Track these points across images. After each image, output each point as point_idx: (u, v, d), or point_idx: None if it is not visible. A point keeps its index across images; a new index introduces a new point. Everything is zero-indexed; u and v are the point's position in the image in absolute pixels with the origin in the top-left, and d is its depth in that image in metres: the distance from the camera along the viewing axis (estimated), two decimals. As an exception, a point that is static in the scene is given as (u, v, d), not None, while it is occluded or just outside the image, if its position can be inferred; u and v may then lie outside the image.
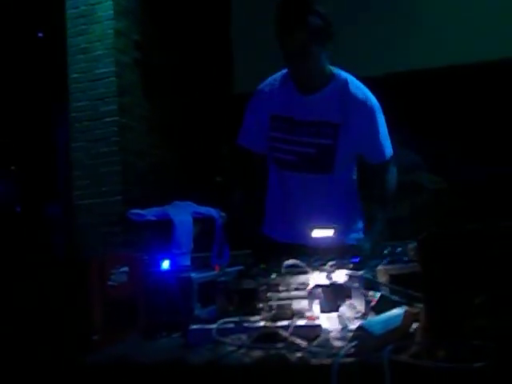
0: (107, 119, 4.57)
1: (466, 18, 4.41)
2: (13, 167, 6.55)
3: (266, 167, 2.34)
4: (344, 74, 2.16)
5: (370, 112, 2.12)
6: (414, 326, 1.21)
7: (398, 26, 4.57)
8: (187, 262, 2.17)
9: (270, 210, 2.35)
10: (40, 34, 5.91)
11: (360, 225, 2.26)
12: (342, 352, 1.05)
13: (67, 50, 4.70)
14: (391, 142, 2.20)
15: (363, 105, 2.11)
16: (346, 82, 2.13)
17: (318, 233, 1.69)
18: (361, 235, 2.23)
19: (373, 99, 2.14)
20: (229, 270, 1.72)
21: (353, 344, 1.08)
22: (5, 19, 5.58)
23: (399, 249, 1.70)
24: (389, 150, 2.19)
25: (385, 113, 2.17)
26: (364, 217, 2.32)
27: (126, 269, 1.47)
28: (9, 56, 5.69)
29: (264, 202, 2.37)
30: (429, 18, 4.54)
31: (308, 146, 2.12)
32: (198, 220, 2.32)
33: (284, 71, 2.20)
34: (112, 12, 4.60)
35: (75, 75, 4.69)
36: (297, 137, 2.14)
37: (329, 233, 1.66)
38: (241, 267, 1.72)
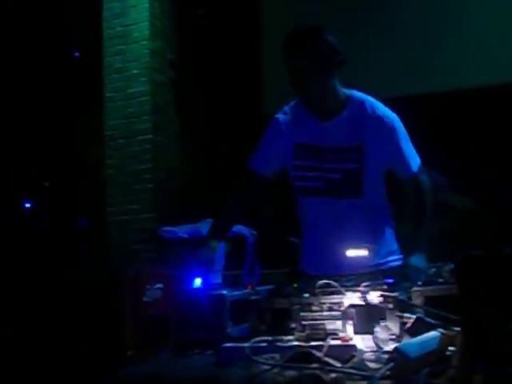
0: (140, 137, 4.63)
1: (488, 39, 4.37)
2: (46, 183, 6.69)
3: (269, 193, 2.33)
4: (360, 96, 2.14)
5: (391, 128, 2.10)
6: (450, 349, 1.19)
7: (433, 46, 4.55)
8: (219, 279, 2.18)
9: (304, 245, 2.29)
10: (76, 54, 6.07)
11: (395, 247, 2.22)
12: (378, 374, 1.03)
13: (103, 69, 4.80)
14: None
15: (382, 122, 2.09)
16: (362, 103, 2.12)
17: (352, 253, 1.68)
18: (398, 257, 2.20)
19: (391, 115, 2.12)
20: (260, 288, 1.72)
21: (389, 366, 1.07)
22: (43, 38, 5.74)
23: (433, 270, 1.68)
24: (415, 161, 2.14)
25: (417, 132, 2.16)
26: (399, 237, 2.28)
27: (160, 285, 1.48)
28: (46, 74, 5.85)
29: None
30: (455, 40, 4.51)
31: (333, 172, 2.10)
32: (230, 238, 2.32)
33: (298, 100, 2.20)
34: (148, 32, 4.68)
35: (110, 94, 4.77)
36: (321, 163, 2.12)
37: (363, 253, 1.64)
38: (272, 286, 1.72)
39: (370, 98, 2.14)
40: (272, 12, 5.09)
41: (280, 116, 2.22)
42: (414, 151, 2.15)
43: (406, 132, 2.14)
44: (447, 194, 3.99)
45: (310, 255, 2.23)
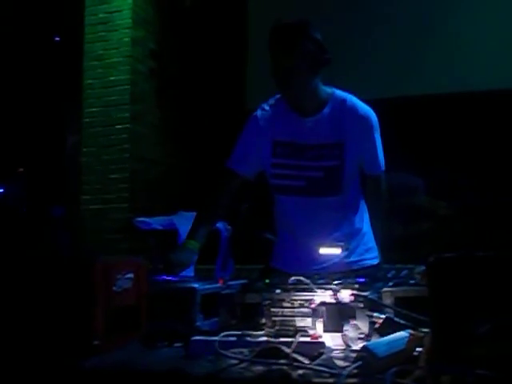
0: (119, 126, 4.59)
1: (479, 45, 4.42)
2: (21, 169, 6.58)
3: (248, 192, 2.33)
4: (341, 94, 2.15)
5: (369, 126, 2.12)
6: (418, 349, 1.20)
7: (411, 51, 4.59)
8: (191, 272, 2.16)
9: (279, 242, 2.29)
10: (57, 38, 5.97)
11: (371, 244, 2.24)
12: (346, 372, 1.04)
13: (83, 55, 4.74)
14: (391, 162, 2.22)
15: (362, 120, 2.10)
16: (343, 101, 2.13)
17: (325, 251, 1.68)
18: (374, 254, 2.21)
19: (370, 113, 2.14)
20: (232, 283, 1.71)
21: (356, 364, 1.07)
22: (22, 21, 5.63)
23: (404, 272, 1.69)
24: (383, 161, 2.19)
25: (390, 135, 2.20)
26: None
27: (131, 275, 1.46)
28: (24, 58, 5.74)
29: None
30: (442, 43, 4.55)
31: (315, 170, 2.10)
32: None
33: (277, 96, 2.19)
34: (130, 21, 4.64)
35: (90, 81, 4.72)
36: (302, 161, 2.11)
37: (336, 251, 1.65)
38: (244, 281, 1.72)
39: (351, 96, 2.15)
40: (259, 5, 5.07)
41: (258, 113, 2.20)
42: (383, 156, 2.20)
43: (379, 135, 2.17)
44: (422, 196, 4.03)
45: (284, 252, 2.23)
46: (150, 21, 4.88)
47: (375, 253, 2.21)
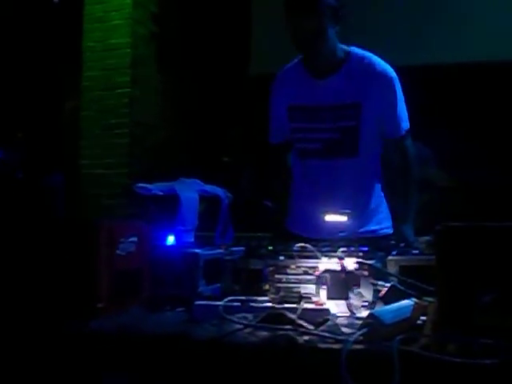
0: (119, 90, 4.53)
1: (489, 16, 4.34)
2: (19, 134, 6.52)
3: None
4: (359, 52, 2.12)
5: (389, 83, 2.08)
6: (422, 318, 1.20)
7: (427, 20, 4.49)
8: (191, 238, 2.16)
9: (296, 205, 2.29)
10: (56, 0, 5.85)
11: (386, 212, 2.21)
12: (352, 338, 1.03)
13: (84, 17, 4.65)
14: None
15: (381, 77, 2.07)
16: (361, 60, 2.09)
17: (331, 218, 1.67)
18: (389, 224, 2.19)
19: (390, 71, 2.09)
20: (234, 249, 1.71)
21: (362, 331, 1.07)
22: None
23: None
24: (405, 124, 2.13)
25: (406, 103, 2.14)
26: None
27: (134, 239, 1.45)
28: (22, 20, 5.63)
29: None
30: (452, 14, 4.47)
31: (331, 132, 2.08)
32: (204, 198, 2.30)
33: (296, 60, 2.18)
34: (131, -18, 4.55)
35: (90, 44, 4.64)
36: (318, 124, 2.09)
37: (342, 218, 1.64)
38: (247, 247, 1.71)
39: (369, 54, 2.11)
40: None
41: (277, 79, 2.24)
42: (406, 114, 2.13)
43: (401, 92, 2.11)
44: (432, 169, 4.01)
45: (304, 217, 2.19)
46: (151, -17, 4.78)
47: (390, 221, 2.19)
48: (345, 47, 2.11)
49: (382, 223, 2.16)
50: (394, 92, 2.08)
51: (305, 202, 2.20)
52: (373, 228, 2.13)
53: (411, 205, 2.14)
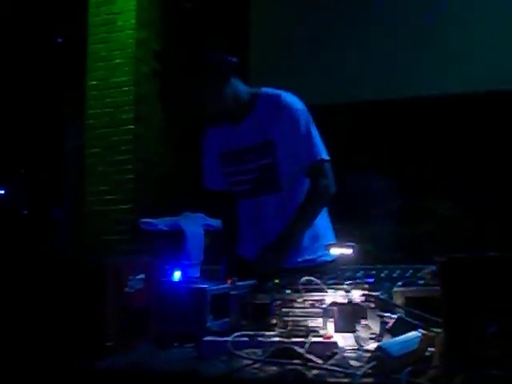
0: (123, 127, 4.59)
1: (477, 47, 4.40)
2: (22, 170, 6.57)
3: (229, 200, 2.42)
4: (269, 91, 2.20)
5: (294, 116, 2.13)
6: (430, 349, 1.20)
7: (413, 53, 4.55)
8: (197, 273, 2.17)
9: (241, 235, 2.39)
10: (59, 40, 5.96)
11: (322, 239, 2.23)
12: (361, 372, 1.04)
13: (87, 57, 4.74)
14: None
15: (287, 110, 2.13)
16: (269, 98, 2.17)
17: (335, 251, 1.69)
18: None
19: (295, 103, 2.16)
20: (240, 283, 1.71)
21: (371, 364, 1.07)
22: (24, 22, 5.62)
23: (410, 271, 1.70)
24: (320, 152, 2.15)
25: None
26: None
27: (142, 276, 1.46)
28: (26, 59, 5.73)
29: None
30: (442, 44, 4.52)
31: (253, 172, 2.19)
32: (208, 232, 2.32)
33: None
34: (134, 22, 4.64)
35: (93, 82, 4.72)
36: (241, 166, 2.21)
37: (347, 251, 1.65)
38: (253, 281, 1.72)
39: (278, 92, 2.18)
40: (261, 7, 5.07)
41: (207, 131, 2.38)
42: (320, 144, 2.16)
43: (311, 123, 2.16)
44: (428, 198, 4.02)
45: (249, 246, 2.28)
46: (153, 22, 4.88)
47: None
48: (253, 90, 2.21)
49: (318, 252, 2.19)
50: (299, 122, 2.13)
51: (248, 233, 2.33)
52: (307, 258, 2.18)
53: (297, 221, 2.14)
